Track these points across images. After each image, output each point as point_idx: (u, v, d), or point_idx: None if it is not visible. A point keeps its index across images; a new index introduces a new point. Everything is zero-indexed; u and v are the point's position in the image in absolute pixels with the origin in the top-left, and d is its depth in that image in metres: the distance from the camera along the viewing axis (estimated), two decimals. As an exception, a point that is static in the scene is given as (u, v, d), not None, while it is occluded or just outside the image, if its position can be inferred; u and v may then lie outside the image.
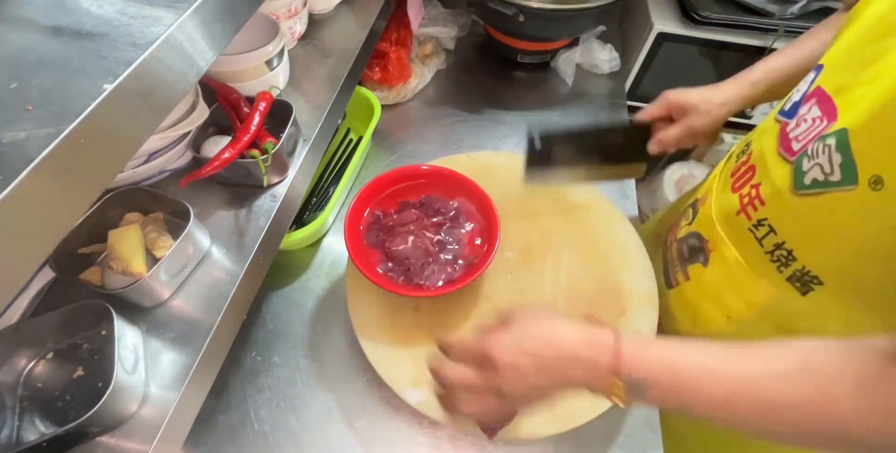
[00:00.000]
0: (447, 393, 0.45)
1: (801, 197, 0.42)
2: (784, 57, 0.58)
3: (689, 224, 0.60)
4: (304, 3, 0.65)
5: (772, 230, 0.46)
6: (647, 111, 0.64)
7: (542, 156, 0.63)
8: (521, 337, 0.41)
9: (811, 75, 0.46)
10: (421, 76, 0.96)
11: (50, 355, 0.43)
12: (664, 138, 0.61)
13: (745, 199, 0.49)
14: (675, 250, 0.62)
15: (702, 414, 0.36)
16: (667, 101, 0.62)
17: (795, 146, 0.44)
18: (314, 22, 0.70)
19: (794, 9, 0.89)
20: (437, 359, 0.45)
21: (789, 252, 0.45)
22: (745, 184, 0.51)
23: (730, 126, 1.14)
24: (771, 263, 0.47)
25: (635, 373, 0.36)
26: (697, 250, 0.57)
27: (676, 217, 0.67)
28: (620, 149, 0.64)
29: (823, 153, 0.40)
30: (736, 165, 0.54)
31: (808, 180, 0.41)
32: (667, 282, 0.64)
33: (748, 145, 0.54)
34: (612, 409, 0.54)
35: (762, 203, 0.47)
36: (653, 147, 0.63)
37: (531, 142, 0.63)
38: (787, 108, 0.48)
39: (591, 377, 0.38)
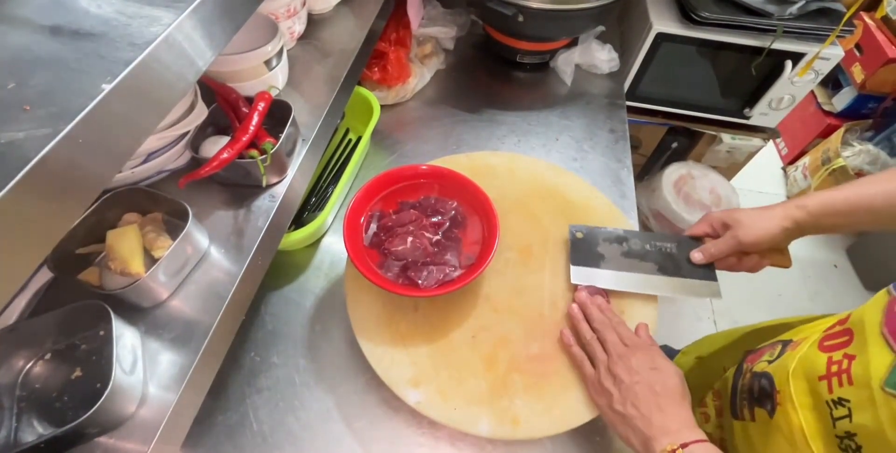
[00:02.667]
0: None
1: (889, 396, 0.36)
2: (842, 191, 0.55)
3: (771, 361, 0.53)
4: (303, 3, 0.65)
5: (849, 416, 0.39)
6: (691, 229, 0.64)
7: (587, 253, 0.64)
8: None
9: None
10: (420, 76, 0.96)
11: (48, 356, 0.43)
12: (712, 250, 0.60)
13: (834, 367, 0.41)
14: (747, 380, 0.56)
15: None
16: (708, 219, 0.62)
17: None
18: (313, 22, 0.70)
19: (793, 9, 0.89)
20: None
21: (858, 447, 0.39)
22: (837, 347, 0.43)
23: (727, 126, 1.15)
24: (838, 449, 0.40)
25: None
26: (766, 395, 0.50)
27: (767, 338, 0.61)
28: (675, 261, 0.63)
29: None
30: (832, 321, 0.46)
31: None
32: (733, 410, 0.58)
33: None
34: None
35: (850, 381, 0.39)
36: (695, 256, 0.62)
37: (573, 235, 0.65)
38: None
39: None
